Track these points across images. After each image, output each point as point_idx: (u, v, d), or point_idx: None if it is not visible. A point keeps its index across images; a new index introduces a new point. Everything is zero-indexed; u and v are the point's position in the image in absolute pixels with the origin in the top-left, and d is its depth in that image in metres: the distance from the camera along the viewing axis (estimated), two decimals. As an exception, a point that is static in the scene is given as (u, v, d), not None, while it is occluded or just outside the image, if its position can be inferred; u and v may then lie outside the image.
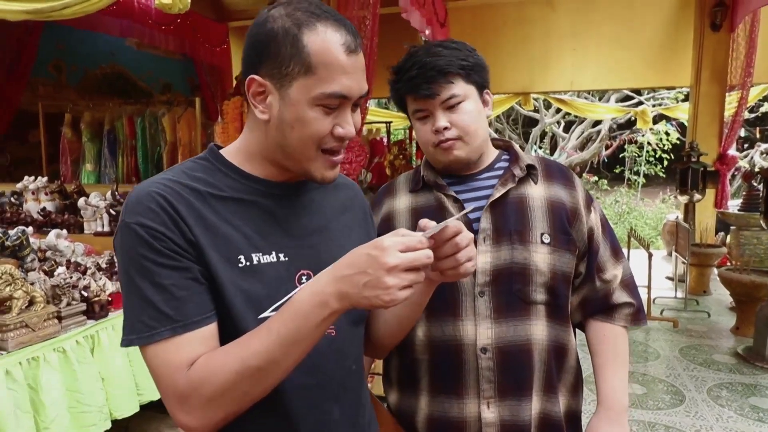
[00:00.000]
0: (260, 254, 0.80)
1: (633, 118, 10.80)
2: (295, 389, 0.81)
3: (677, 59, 6.54)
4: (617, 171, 13.78)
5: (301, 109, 0.77)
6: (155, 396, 2.35)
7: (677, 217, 6.55)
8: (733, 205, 6.48)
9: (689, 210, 6.03)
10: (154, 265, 0.73)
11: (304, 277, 0.83)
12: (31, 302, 2.00)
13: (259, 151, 0.84)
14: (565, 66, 7.16)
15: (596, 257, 1.19)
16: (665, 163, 12.73)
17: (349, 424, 0.89)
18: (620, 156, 13.76)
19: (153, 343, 0.73)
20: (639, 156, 13.29)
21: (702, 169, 5.76)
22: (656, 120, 11.43)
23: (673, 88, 10.44)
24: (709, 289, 5.81)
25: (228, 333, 0.76)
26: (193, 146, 4.28)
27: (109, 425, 2.13)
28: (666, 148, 12.48)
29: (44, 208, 3.50)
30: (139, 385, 2.32)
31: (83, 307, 2.22)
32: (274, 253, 0.82)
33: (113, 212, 3.27)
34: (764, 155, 10.76)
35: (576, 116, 12.17)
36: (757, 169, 6.98)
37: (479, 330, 1.09)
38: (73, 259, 2.61)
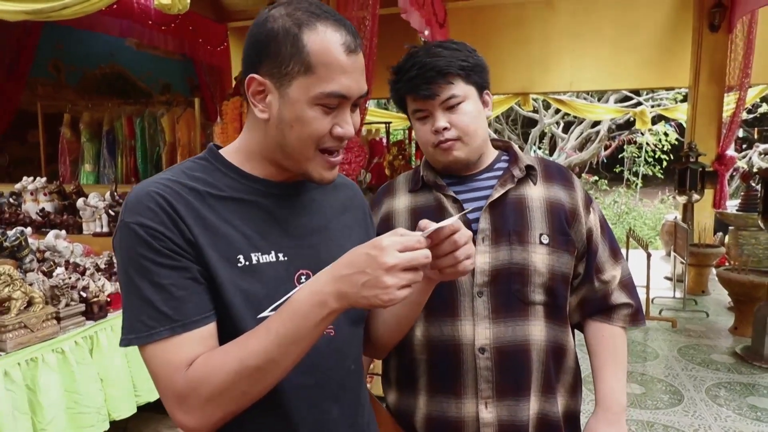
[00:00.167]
0: (259, 254, 0.80)
1: (632, 119, 10.82)
2: (294, 389, 0.81)
3: (676, 60, 6.55)
4: (616, 171, 13.80)
5: (300, 109, 0.77)
6: (152, 397, 2.35)
7: (676, 217, 6.56)
8: (732, 206, 6.49)
9: (688, 210, 6.04)
10: (153, 265, 0.73)
11: (303, 277, 0.83)
12: (30, 303, 2.00)
13: (259, 150, 0.84)
14: (564, 67, 7.17)
15: (595, 258, 1.19)
16: (664, 163, 12.74)
17: (348, 424, 0.89)
18: (619, 156, 13.78)
19: (152, 343, 0.73)
20: (638, 156, 13.30)
21: (700, 169, 5.77)
22: (655, 121, 11.45)
23: (671, 88, 10.46)
24: (707, 289, 5.81)
25: (227, 333, 0.76)
26: (192, 146, 4.28)
27: (107, 426, 2.12)
28: (665, 148, 12.50)
29: (43, 209, 3.50)
30: (137, 386, 2.32)
31: (82, 307, 2.22)
32: (273, 252, 0.82)
33: (112, 213, 3.26)
34: (762, 155, 10.78)
35: (575, 117, 12.19)
36: (755, 170, 6.99)
37: (477, 330, 1.09)
38: (71, 260, 2.61)
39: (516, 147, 1.24)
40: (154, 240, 0.73)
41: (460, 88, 1.09)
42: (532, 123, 13.35)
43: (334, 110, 0.79)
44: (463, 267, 0.81)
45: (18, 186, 3.66)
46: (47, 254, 2.64)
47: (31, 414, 1.88)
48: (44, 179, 3.66)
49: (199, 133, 4.25)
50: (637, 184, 13.17)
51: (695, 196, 5.84)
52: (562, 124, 13.62)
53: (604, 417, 1.17)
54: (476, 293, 1.10)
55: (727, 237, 6.28)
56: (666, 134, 12.32)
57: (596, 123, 12.61)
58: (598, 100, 12.04)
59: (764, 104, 11.33)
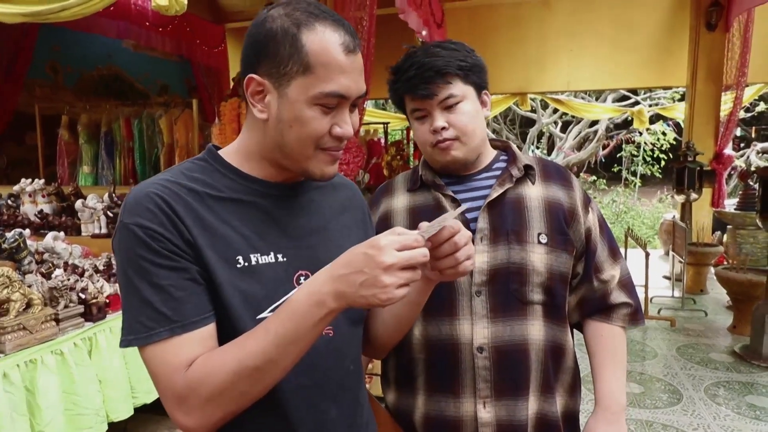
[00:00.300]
0: (258, 255, 0.80)
1: (630, 118, 10.82)
2: (293, 389, 0.81)
3: (673, 59, 6.56)
4: (614, 171, 13.81)
5: (299, 108, 0.77)
6: (149, 399, 2.35)
7: (674, 216, 6.57)
8: (730, 204, 6.51)
9: (686, 209, 6.05)
10: (152, 266, 0.73)
11: (302, 278, 0.83)
12: (29, 305, 2.00)
13: (258, 150, 0.84)
14: (561, 66, 7.18)
15: (594, 257, 1.19)
16: (662, 162, 12.76)
17: (347, 424, 0.89)
18: (617, 156, 13.79)
19: (151, 344, 0.73)
20: (636, 156, 13.32)
21: (698, 168, 5.78)
22: (653, 120, 11.46)
23: (669, 87, 10.47)
24: (706, 288, 5.82)
25: (226, 333, 0.76)
26: (190, 148, 4.28)
27: (105, 428, 2.12)
28: (663, 147, 12.52)
29: (41, 211, 3.49)
30: (134, 388, 2.32)
31: (81, 309, 2.22)
32: (272, 253, 0.82)
33: (111, 214, 3.26)
34: (760, 154, 10.79)
35: (573, 116, 12.20)
36: (753, 168, 7.01)
37: (476, 329, 1.09)
38: (70, 262, 2.60)
39: (515, 147, 1.24)
40: (153, 241, 0.73)
41: (459, 88, 1.10)
42: (530, 123, 13.37)
43: (333, 110, 0.79)
44: (464, 268, 0.81)
45: (16, 188, 3.65)
46: (46, 256, 2.64)
47: (30, 416, 1.88)
48: (42, 181, 3.66)
49: (197, 134, 4.24)
50: (635, 184, 13.19)
51: (693, 195, 5.85)
52: (560, 124, 13.64)
53: (603, 417, 1.17)
54: (474, 292, 1.10)
55: (725, 236, 6.30)
56: (664, 133, 12.34)
57: (594, 122, 12.62)
58: (596, 99, 12.05)
59: (761, 103, 11.35)
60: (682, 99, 10.08)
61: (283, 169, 0.84)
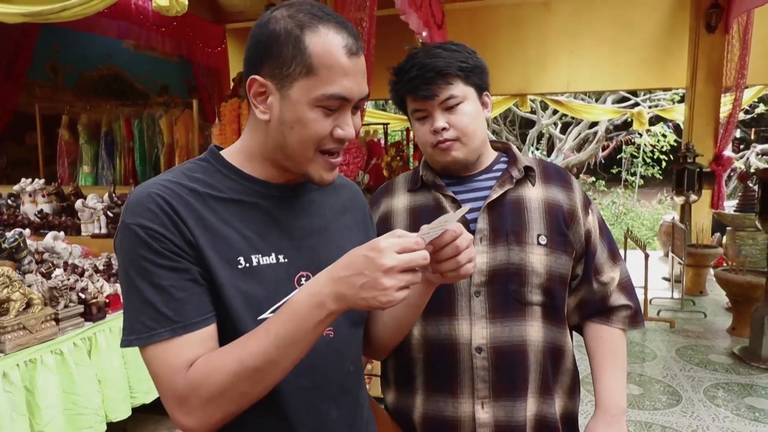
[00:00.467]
0: (260, 256, 0.81)
1: (629, 120, 10.83)
2: (293, 390, 0.81)
3: (673, 60, 6.57)
4: (614, 172, 13.81)
5: (301, 110, 0.77)
6: (148, 399, 2.35)
7: (674, 218, 6.58)
8: (729, 206, 6.51)
9: (685, 211, 6.05)
10: (154, 266, 0.73)
11: (303, 279, 0.83)
12: (29, 304, 2.00)
13: (260, 151, 0.84)
14: (561, 67, 7.18)
15: (593, 259, 1.19)
16: (662, 164, 12.76)
17: (346, 425, 0.89)
18: (617, 157, 13.79)
19: (152, 344, 0.73)
20: (636, 157, 13.33)
21: (698, 170, 5.78)
22: (653, 121, 11.47)
23: (669, 89, 10.48)
24: (705, 290, 5.82)
25: (227, 334, 0.76)
26: (190, 148, 4.28)
27: (104, 428, 2.12)
28: (663, 149, 12.52)
29: (41, 210, 3.49)
30: (133, 388, 2.32)
31: (80, 309, 2.22)
32: (273, 254, 0.82)
33: (111, 214, 3.26)
34: (760, 156, 10.80)
35: (573, 117, 12.21)
36: (752, 170, 7.01)
37: (474, 329, 1.09)
38: (70, 261, 2.61)
39: (515, 148, 1.24)
40: (154, 241, 0.73)
41: (459, 89, 1.10)
42: (529, 124, 13.37)
43: (335, 112, 0.79)
44: (465, 270, 0.81)
45: (16, 187, 3.65)
46: (46, 256, 2.64)
47: (29, 415, 1.88)
48: (42, 181, 3.66)
49: (197, 134, 4.25)
50: (635, 185, 13.19)
51: (693, 197, 5.85)
52: (559, 125, 13.64)
53: (603, 419, 1.17)
54: (473, 293, 1.10)
55: (724, 237, 6.31)
56: (664, 135, 12.34)
57: (594, 124, 12.63)
58: (596, 100, 12.07)
59: (761, 105, 11.36)
60: (681, 100, 10.08)
61: (284, 170, 0.84)
